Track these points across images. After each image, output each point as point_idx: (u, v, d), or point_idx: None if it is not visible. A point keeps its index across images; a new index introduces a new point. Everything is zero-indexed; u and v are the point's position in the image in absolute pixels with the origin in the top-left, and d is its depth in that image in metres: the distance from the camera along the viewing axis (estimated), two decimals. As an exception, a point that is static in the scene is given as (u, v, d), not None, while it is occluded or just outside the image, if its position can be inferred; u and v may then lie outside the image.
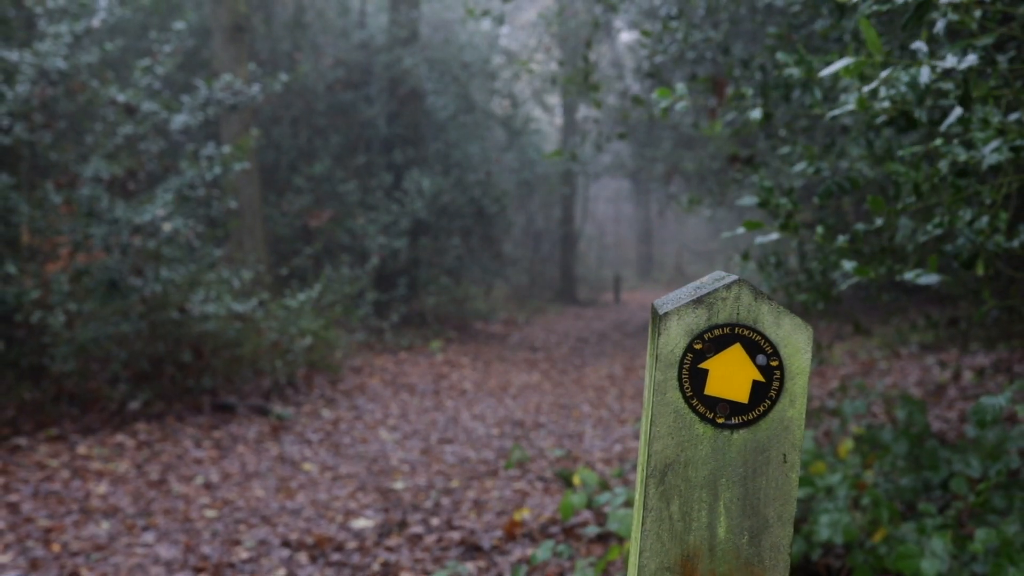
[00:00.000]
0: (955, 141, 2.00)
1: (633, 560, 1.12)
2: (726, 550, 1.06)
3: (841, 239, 2.31)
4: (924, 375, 7.02)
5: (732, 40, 7.40)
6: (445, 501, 4.67)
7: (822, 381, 7.35)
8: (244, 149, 7.19)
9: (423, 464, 5.52)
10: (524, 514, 4.19)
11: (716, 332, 1.03)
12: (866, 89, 1.82)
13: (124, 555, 3.80)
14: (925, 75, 1.67)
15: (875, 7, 1.67)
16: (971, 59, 1.62)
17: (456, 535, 4.07)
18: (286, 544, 4.00)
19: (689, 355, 1.04)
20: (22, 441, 5.36)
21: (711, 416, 1.04)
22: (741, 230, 2.26)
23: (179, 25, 6.80)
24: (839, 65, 1.72)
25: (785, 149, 3.60)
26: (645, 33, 4.83)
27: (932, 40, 2.15)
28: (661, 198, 18.09)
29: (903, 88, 1.72)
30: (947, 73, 1.75)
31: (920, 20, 1.57)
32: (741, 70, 4.21)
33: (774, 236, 2.27)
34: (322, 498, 4.72)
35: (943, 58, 1.71)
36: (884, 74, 1.72)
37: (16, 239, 6.12)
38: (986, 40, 1.79)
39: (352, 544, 3.99)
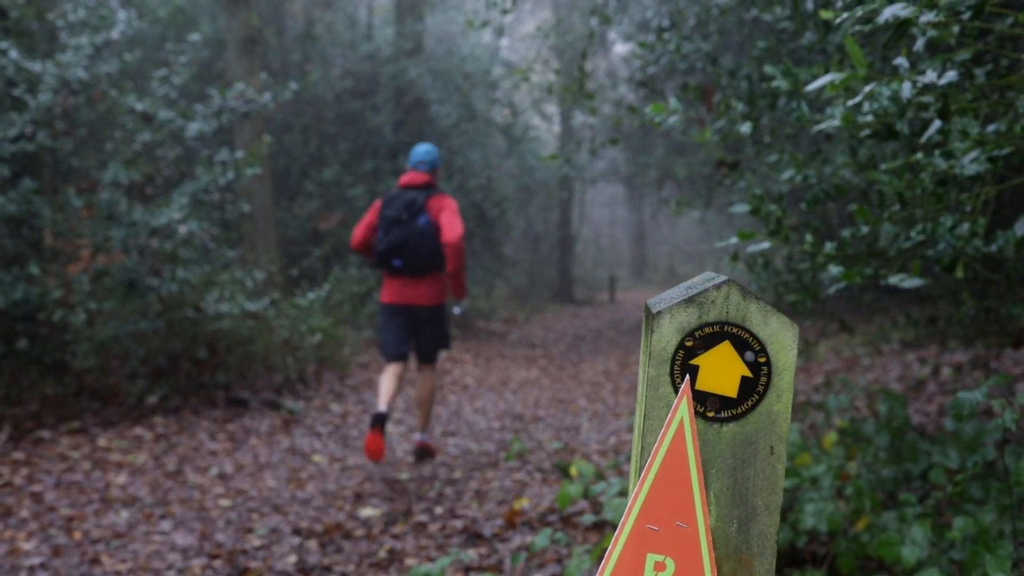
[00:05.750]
0: (936, 152, 2.01)
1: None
2: (716, 538, 1.06)
3: (829, 246, 2.32)
4: (905, 371, 7.02)
5: (721, 51, 7.40)
6: (448, 491, 4.67)
7: (807, 377, 7.35)
8: (256, 155, 7.20)
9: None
10: (524, 503, 4.20)
11: (707, 330, 1.04)
12: (851, 103, 1.83)
13: (142, 542, 3.81)
14: (907, 90, 1.67)
15: (858, 27, 1.68)
16: (951, 75, 1.62)
17: (459, 523, 4.08)
18: (297, 532, 4.00)
19: (681, 352, 1.04)
20: (45, 434, 5.36)
21: (702, 410, 1.05)
22: (735, 240, 2.26)
23: (194, 37, 6.80)
24: (825, 80, 1.73)
25: (773, 157, 3.60)
26: (642, 45, 4.84)
27: (912, 55, 2.16)
28: (654, 202, 18.07)
29: (885, 102, 1.73)
30: (927, 87, 1.76)
31: (901, 38, 1.58)
32: (728, 79, 4.21)
33: (766, 245, 2.27)
34: (331, 488, 4.73)
35: (923, 73, 1.72)
36: (867, 89, 1.73)
37: (39, 241, 6.13)
38: (964, 55, 1.80)
39: (360, 532, 3.99)
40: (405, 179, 4.86)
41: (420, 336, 4.89)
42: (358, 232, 4.89)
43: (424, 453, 5.09)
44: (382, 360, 4.76)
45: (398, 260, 4.73)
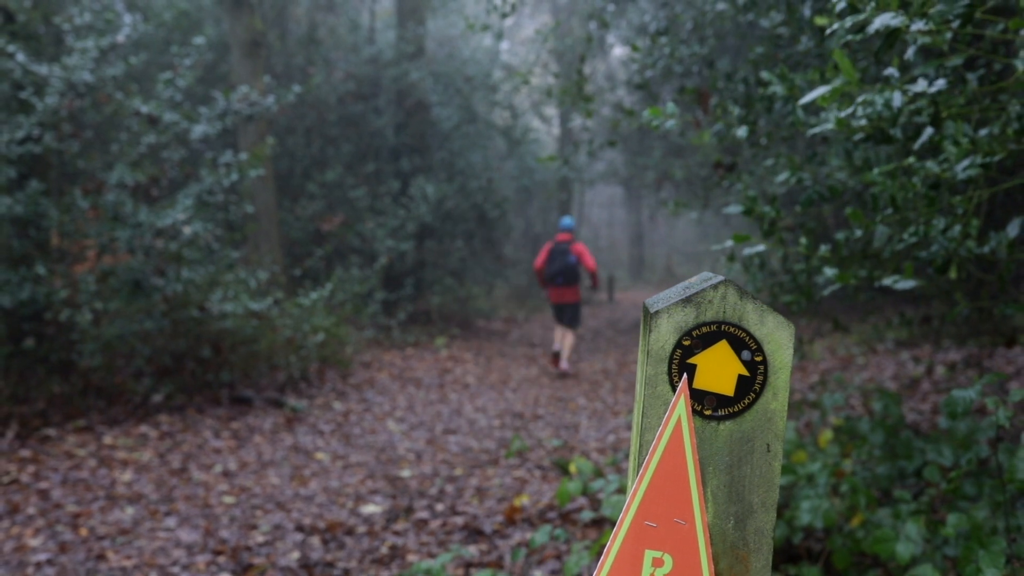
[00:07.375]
0: (928, 158, 2.01)
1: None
2: (713, 534, 1.06)
3: (823, 249, 2.32)
4: (899, 370, 7.02)
5: (717, 55, 7.40)
6: (449, 488, 4.68)
7: (803, 375, 7.36)
8: (260, 157, 7.20)
9: (428, 453, 5.53)
10: (523, 500, 4.20)
11: (704, 329, 1.04)
12: (844, 113, 1.83)
13: (148, 539, 3.81)
14: (898, 99, 1.68)
15: (850, 36, 1.69)
16: (940, 83, 1.63)
17: (459, 520, 4.08)
18: (300, 529, 4.01)
19: (678, 351, 1.04)
20: (52, 432, 5.37)
21: (699, 408, 1.05)
22: (730, 243, 2.26)
23: (199, 40, 6.80)
24: (818, 92, 1.73)
25: (769, 161, 3.60)
26: (635, 48, 4.83)
27: (906, 60, 2.16)
28: (652, 203, 18.08)
29: (879, 108, 1.73)
30: (919, 95, 1.76)
31: (892, 46, 1.59)
32: (725, 82, 4.22)
33: (760, 248, 2.28)
34: (333, 485, 4.73)
35: (915, 80, 1.72)
36: (860, 99, 1.73)
37: (46, 242, 6.13)
38: (956, 60, 1.80)
39: (362, 528, 4.00)
40: (561, 236, 8.91)
41: (566, 315, 9.09)
42: (540, 262, 8.94)
43: (566, 374, 8.85)
44: (554, 325, 9.66)
45: (561, 279, 8.89)
